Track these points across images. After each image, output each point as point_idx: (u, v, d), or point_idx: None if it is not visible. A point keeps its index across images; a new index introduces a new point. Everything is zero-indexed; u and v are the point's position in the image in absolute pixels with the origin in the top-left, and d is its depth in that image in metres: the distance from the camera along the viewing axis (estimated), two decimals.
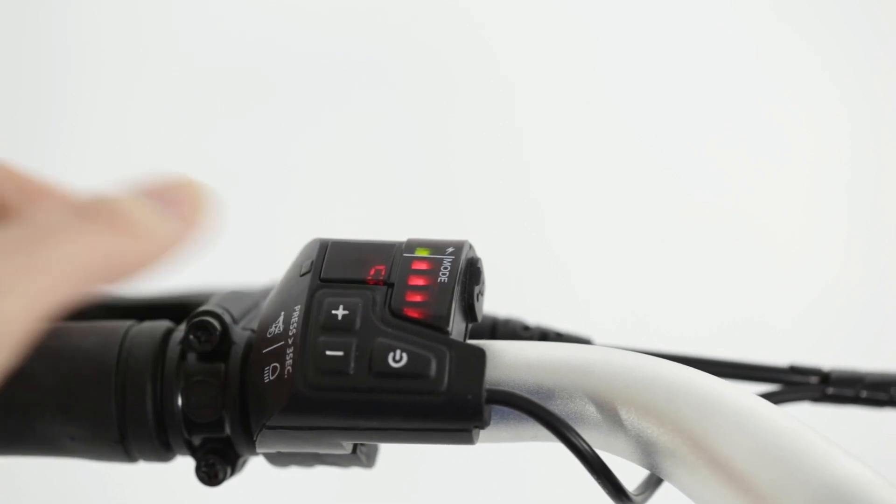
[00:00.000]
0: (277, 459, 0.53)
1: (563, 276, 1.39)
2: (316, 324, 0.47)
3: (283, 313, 0.48)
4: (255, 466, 0.55)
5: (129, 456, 0.51)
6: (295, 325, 0.47)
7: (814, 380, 0.56)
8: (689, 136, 1.41)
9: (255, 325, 0.50)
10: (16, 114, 1.44)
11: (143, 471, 0.55)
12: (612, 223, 1.39)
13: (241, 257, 1.33)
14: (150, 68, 1.44)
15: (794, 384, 0.56)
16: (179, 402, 0.49)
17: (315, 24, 1.43)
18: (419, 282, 0.48)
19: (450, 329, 0.47)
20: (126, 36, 1.44)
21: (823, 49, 1.40)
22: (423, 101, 1.43)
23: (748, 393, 0.46)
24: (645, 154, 1.40)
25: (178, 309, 0.57)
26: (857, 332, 1.36)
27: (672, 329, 1.35)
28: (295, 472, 0.57)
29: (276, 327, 0.48)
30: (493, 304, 0.54)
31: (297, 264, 0.50)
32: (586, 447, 0.45)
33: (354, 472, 0.56)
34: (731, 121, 1.41)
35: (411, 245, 0.49)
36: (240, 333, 0.50)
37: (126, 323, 0.52)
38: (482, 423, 0.46)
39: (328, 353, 0.47)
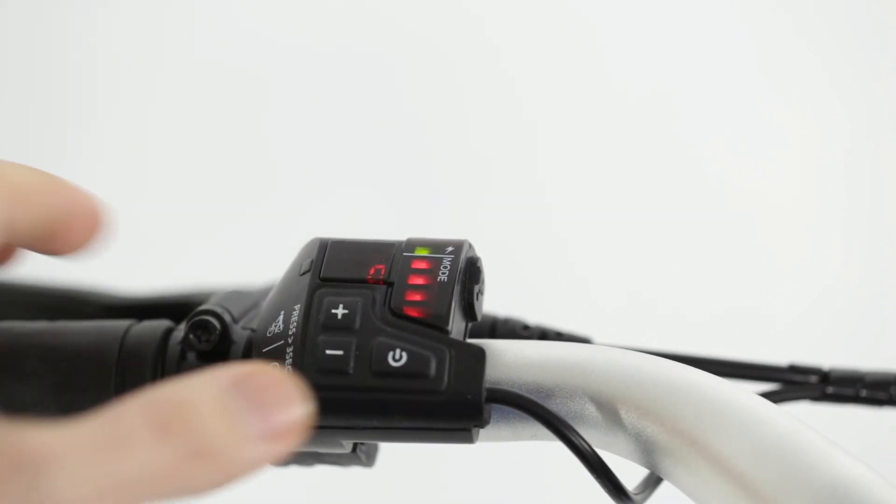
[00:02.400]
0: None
1: (566, 268, 1.39)
2: (316, 323, 0.47)
3: (282, 312, 0.48)
4: None
5: None
6: (295, 324, 0.47)
7: (813, 379, 0.56)
8: (691, 134, 1.41)
9: (254, 325, 0.50)
10: (27, 115, 1.44)
11: None
12: (614, 222, 1.39)
13: (241, 257, 1.33)
14: (156, 69, 1.44)
15: (793, 383, 0.56)
16: None
17: (315, 24, 1.44)
18: (419, 281, 0.48)
19: (449, 328, 0.47)
20: (136, 37, 1.44)
21: (826, 49, 1.40)
22: (424, 99, 1.43)
23: (748, 392, 0.46)
24: (646, 154, 1.40)
25: (177, 308, 0.57)
26: (857, 330, 1.36)
27: (673, 327, 1.35)
28: (295, 472, 0.57)
29: (275, 326, 0.48)
30: (499, 292, 0.54)
31: (297, 264, 0.50)
32: (586, 446, 0.45)
33: (354, 472, 0.56)
34: (733, 119, 1.41)
35: (411, 244, 0.49)
36: (240, 333, 0.50)
37: (126, 322, 0.52)
38: (482, 422, 0.46)
39: (328, 352, 0.47)
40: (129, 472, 0.37)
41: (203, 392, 0.39)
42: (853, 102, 1.39)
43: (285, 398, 0.40)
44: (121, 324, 0.52)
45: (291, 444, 0.40)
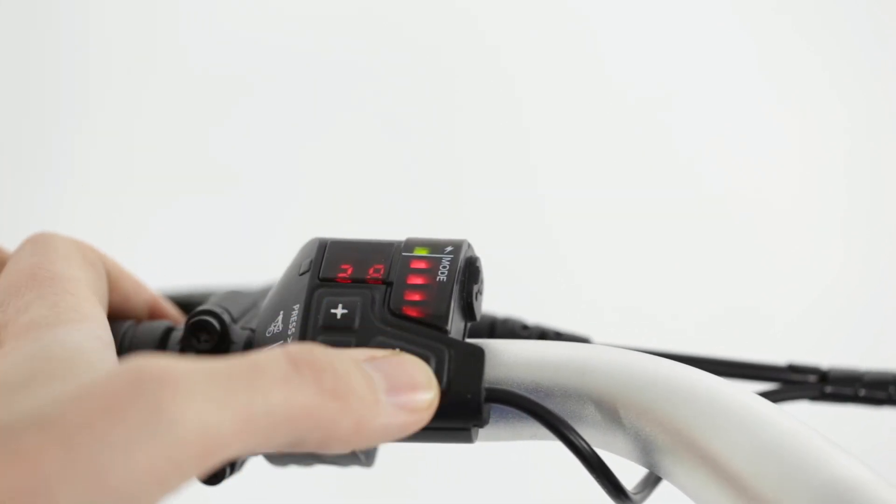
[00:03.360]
0: (277, 459, 0.53)
1: (565, 269, 1.39)
2: (315, 323, 0.47)
3: (281, 312, 0.48)
4: (255, 467, 0.55)
5: None
6: (294, 324, 0.47)
7: (812, 378, 0.56)
8: (692, 134, 1.41)
9: (254, 325, 0.50)
10: (22, 117, 1.44)
11: None
12: (614, 221, 1.39)
13: (241, 257, 1.33)
14: (154, 71, 1.44)
15: (792, 383, 0.56)
16: None
17: (315, 24, 1.44)
18: (418, 281, 0.48)
19: (449, 328, 0.47)
20: (129, 39, 1.44)
21: (825, 50, 1.40)
22: (422, 99, 1.43)
23: (747, 392, 0.45)
24: (646, 153, 1.40)
25: (179, 308, 0.57)
26: (856, 330, 1.37)
27: (673, 326, 1.35)
28: (294, 473, 0.57)
29: (275, 326, 0.48)
30: (498, 292, 0.54)
31: (296, 264, 0.50)
32: (585, 446, 0.45)
33: (353, 472, 0.56)
34: (733, 119, 1.41)
35: (410, 244, 0.49)
36: (239, 333, 0.50)
37: (125, 322, 0.53)
38: (481, 421, 0.46)
39: None
40: (264, 404, 0.38)
41: (341, 354, 0.42)
42: (851, 103, 1.39)
43: (416, 379, 0.44)
44: (120, 324, 0.52)
45: (419, 422, 0.43)
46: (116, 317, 0.53)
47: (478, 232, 0.59)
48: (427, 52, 1.43)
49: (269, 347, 0.40)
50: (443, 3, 1.43)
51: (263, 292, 0.54)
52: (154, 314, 0.54)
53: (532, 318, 0.58)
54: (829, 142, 1.40)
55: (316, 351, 0.41)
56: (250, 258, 1.24)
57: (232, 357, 0.39)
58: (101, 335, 0.44)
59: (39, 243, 0.48)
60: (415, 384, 0.44)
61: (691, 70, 1.42)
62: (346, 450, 0.42)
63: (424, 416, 0.44)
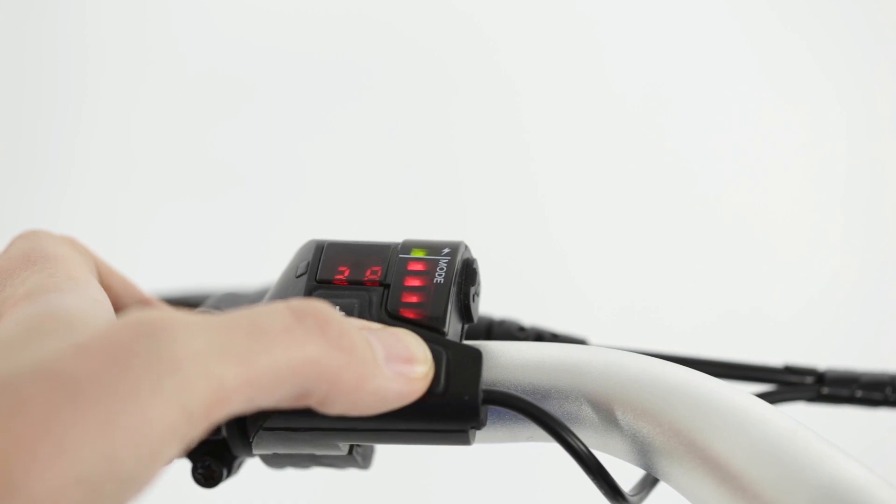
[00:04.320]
0: (274, 461, 0.53)
1: (565, 268, 1.39)
2: None
3: None
4: (251, 468, 0.55)
5: None
6: None
7: (809, 380, 0.56)
8: (691, 135, 1.41)
9: None
10: (19, 117, 1.44)
11: None
12: (613, 221, 1.40)
13: (237, 259, 1.33)
14: (152, 73, 1.44)
15: (789, 384, 0.56)
16: None
17: (314, 25, 1.44)
18: (415, 283, 0.48)
19: (446, 330, 0.47)
20: (127, 41, 1.44)
21: (823, 52, 1.40)
22: (421, 100, 1.43)
23: (744, 393, 0.45)
24: (646, 153, 1.40)
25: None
26: (855, 331, 1.37)
27: (672, 326, 1.35)
28: (291, 475, 0.57)
29: None
30: (497, 292, 0.54)
31: (293, 265, 0.50)
32: (582, 447, 0.45)
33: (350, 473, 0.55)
34: (733, 120, 1.41)
35: (407, 246, 0.49)
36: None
37: None
38: (479, 423, 0.46)
39: None
40: (268, 354, 0.38)
41: (342, 315, 0.42)
42: (852, 104, 1.39)
43: (411, 350, 0.44)
44: None
45: (413, 392, 0.44)
46: None
47: (477, 233, 0.59)
48: (426, 52, 1.43)
49: (271, 303, 0.41)
50: (442, 4, 1.43)
51: (260, 294, 0.54)
52: None
53: (530, 318, 0.58)
54: (827, 143, 1.40)
55: (319, 304, 0.41)
56: (246, 259, 1.24)
57: (235, 311, 0.39)
58: (98, 297, 0.44)
59: (28, 236, 0.49)
60: (411, 355, 0.44)
61: (690, 72, 1.42)
62: (344, 410, 0.42)
63: (419, 387, 0.44)
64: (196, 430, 0.36)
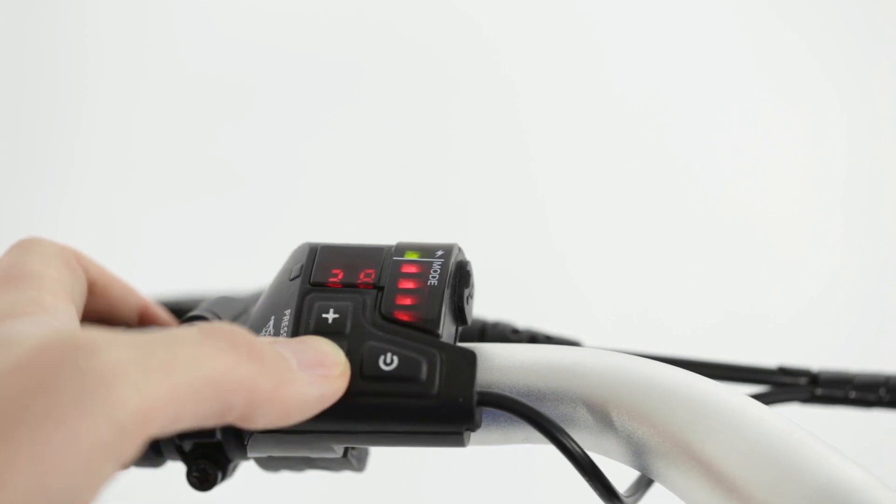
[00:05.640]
0: (268, 464, 0.52)
1: (563, 269, 1.39)
2: (306, 328, 0.47)
3: (273, 318, 0.48)
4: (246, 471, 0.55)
5: None
6: (285, 329, 0.47)
7: (803, 381, 0.56)
8: (691, 135, 1.42)
9: None
10: (19, 118, 1.44)
11: (135, 476, 0.54)
12: (611, 221, 1.40)
13: (230, 262, 1.32)
14: (152, 73, 1.44)
15: (783, 385, 0.56)
16: None
17: (313, 26, 1.44)
18: (409, 285, 0.48)
19: (440, 332, 0.47)
20: (126, 41, 1.44)
21: (823, 52, 1.40)
22: (422, 99, 1.43)
23: (739, 394, 0.45)
24: (645, 154, 1.41)
25: (170, 314, 0.57)
26: (855, 331, 1.37)
27: (671, 327, 1.35)
28: (286, 478, 0.57)
29: (266, 331, 0.48)
30: (495, 293, 0.54)
31: (287, 269, 0.50)
32: (577, 449, 0.45)
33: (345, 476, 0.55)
34: (733, 120, 1.42)
35: (400, 248, 0.49)
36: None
37: (117, 329, 0.52)
38: (473, 425, 0.46)
39: None
40: (184, 366, 0.38)
41: (252, 335, 0.42)
42: (851, 105, 1.39)
43: (323, 353, 0.45)
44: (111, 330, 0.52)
45: (334, 392, 0.44)
46: (106, 322, 0.53)
47: (476, 233, 0.59)
48: (426, 52, 1.43)
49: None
50: (442, 4, 1.43)
51: (254, 298, 0.54)
52: (144, 319, 0.54)
53: (527, 318, 0.58)
54: (827, 143, 1.41)
55: (226, 324, 0.41)
56: (241, 262, 1.24)
57: (150, 330, 0.39)
58: (58, 325, 0.44)
59: (22, 247, 0.49)
60: (323, 358, 0.45)
61: (690, 72, 1.43)
62: (269, 423, 0.42)
63: (338, 386, 0.45)
64: (131, 446, 0.35)
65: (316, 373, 0.44)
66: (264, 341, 0.42)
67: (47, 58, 1.44)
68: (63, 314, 0.45)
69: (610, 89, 1.42)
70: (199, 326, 0.40)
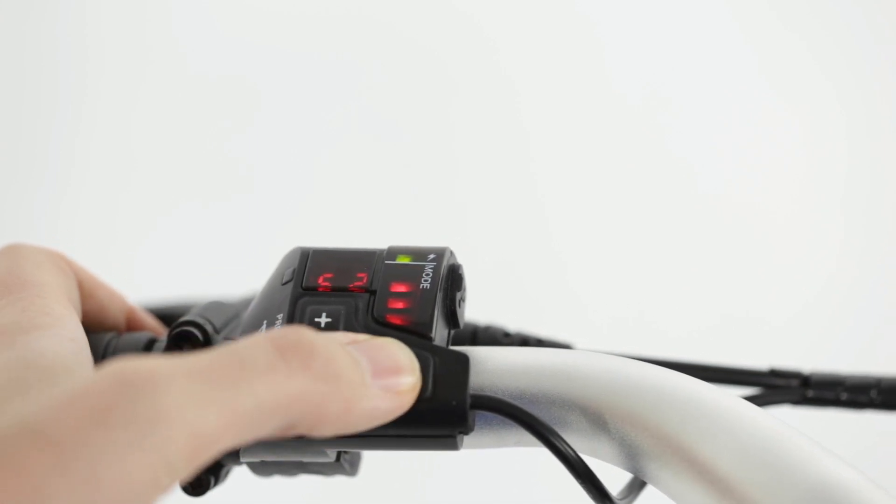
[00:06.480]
0: (261, 469, 0.52)
1: (558, 271, 1.39)
2: None
3: (265, 322, 0.48)
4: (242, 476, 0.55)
5: None
6: None
7: (794, 383, 0.56)
8: (691, 135, 1.41)
9: (236, 335, 0.50)
10: (19, 118, 1.44)
11: None
12: (607, 222, 1.40)
13: (223, 266, 1.32)
14: (152, 73, 1.44)
15: (774, 387, 0.56)
16: None
17: (312, 27, 1.44)
18: (401, 289, 0.48)
19: (433, 335, 0.47)
20: (126, 41, 1.44)
21: (823, 52, 1.40)
22: (421, 99, 1.43)
23: (732, 395, 0.45)
24: (645, 154, 1.41)
25: (159, 320, 0.57)
26: (853, 334, 1.37)
27: (667, 329, 1.35)
28: (278, 482, 0.57)
29: None
30: (495, 289, 0.54)
31: (279, 273, 0.50)
32: (570, 452, 0.45)
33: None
34: (731, 121, 1.42)
35: (392, 252, 0.49)
36: (222, 343, 0.50)
37: (108, 334, 0.52)
38: (466, 428, 0.46)
39: None
40: (251, 396, 0.38)
41: (327, 337, 0.41)
42: (850, 106, 1.39)
43: (399, 362, 0.44)
44: (102, 336, 0.52)
45: (403, 405, 0.43)
46: (93, 327, 0.53)
47: (476, 233, 0.59)
48: (426, 52, 1.43)
49: (251, 336, 0.40)
50: (442, 4, 1.43)
51: (245, 303, 0.54)
52: (132, 324, 0.54)
53: (523, 319, 0.58)
54: (827, 144, 1.40)
55: (301, 332, 0.41)
56: (241, 262, 1.24)
57: (215, 350, 0.39)
58: (75, 337, 0.44)
59: (9, 253, 0.48)
60: (398, 367, 0.44)
61: (690, 72, 1.42)
62: (334, 433, 0.42)
63: (408, 400, 0.44)
64: (179, 478, 0.36)
65: (388, 384, 0.43)
66: (339, 348, 0.42)
67: (47, 58, 1.44)
68: (73, 324, 0.45)
69: (610, 89, 1.42)
70: (272, 339, 0.40)
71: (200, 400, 0.36)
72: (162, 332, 0.55)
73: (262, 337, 0.40)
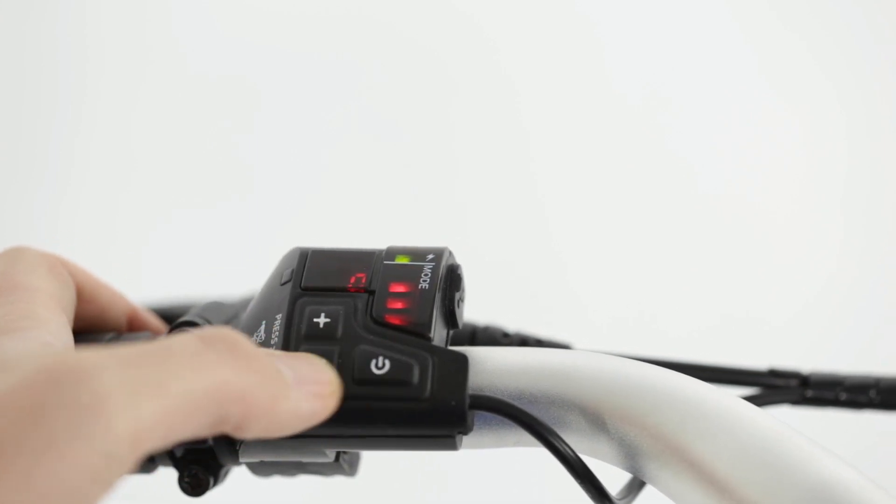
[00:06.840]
0: (260, 469, 0.52)
1: (558, 271, 1.39)
2: (298, 332, 0.47)
3: (264, 322, 0.48)
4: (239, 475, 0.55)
5: None
6: (277, 333, 0.47)
7: (793, 383, 0.56)
8: (691, 135, 1.41)
9: None
10: (19, 118, 1.44)
11: (127, 482, 0.55)
12: (607, 222, 1.40)
13: (222, 266, 1.32)
14: (152, 73, 1.44)
15: (773, 387, 0.56)
16: None
17: (312, 28, 1.44)
18: (400, 289, 0.48)
19: (432, 335, 0.47)
20: (127, 41, 1.45)
21: (823, 52, 1.40)
22: (421, 99, 1.43)
23: (731, 395, 0.45)
24: (645, 154, 1.41)
25: (162, 319, 0.57)
26: (853, 334, 1.37)
27: (666, 329, 1.35)
28: (277, 483, 0.57)
29: (257, 336, 0.48)
30: (494, 289, 0.54)
31: (277, 273, 0.50)
32: (569, 452, 0.45)
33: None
34: (730, 121, 1.42)
35: (391, 252, 0.49)
36: None
37: (107, 335, 0.52)
38: (466, 428, 0.46)
39: None
40: (181, 383, 0.38)
41: (248, 341, 0.42)
42: (850, 106, 1.39)
43: (318, 371, 0.45)
44: (101, 336, 0.52)
45: (325, 409, 0.44)
46: (94, 328, 0.53)
47: (475, 233, 0.59)
48: (426, 52, 1.43)
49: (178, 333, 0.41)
50: (442, 4, 1.43)
51: (244, 303, 0.54)
52: (133, 325, 0.54)
53: (522, 321, 0.58)
54: (827, 144, 1.40)
55: (227, 330, 0.41)
56: (240, 262, 1.24)
57: (145, 342, 0.39)
58: (51, 340, 0.44)
59: (8, 256, 0.49)
60: (317, 375, 0.45)
61: (690, 72, 1.42)
62: (263, 433, 0.42)
63: (331, 404, 0.45)
64: (123, 469, 0.35)
65: (310, 390, 0.44)
66: (263, 352, 0.42)
67: (47, 58, 1.44)
68: (56, 327, 0.45)
69: (610, 89, 1.42)
70: (197, 334, 0.40)
71: (135, 387, 0.36)
72: (164, 332, 0.55)
73: (190, 333, 0.40)
